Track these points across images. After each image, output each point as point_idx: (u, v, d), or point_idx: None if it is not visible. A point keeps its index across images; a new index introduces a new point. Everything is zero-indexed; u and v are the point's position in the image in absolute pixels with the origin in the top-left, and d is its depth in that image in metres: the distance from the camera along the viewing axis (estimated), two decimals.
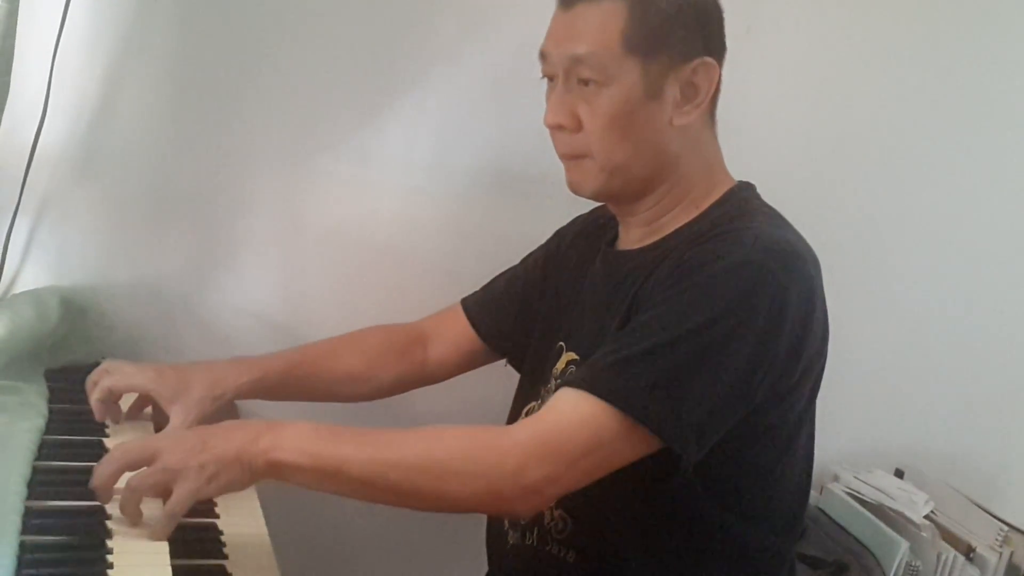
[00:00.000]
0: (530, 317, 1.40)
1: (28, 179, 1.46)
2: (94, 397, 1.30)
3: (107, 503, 1.10)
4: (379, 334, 1.48)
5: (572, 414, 1.07)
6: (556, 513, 1.22)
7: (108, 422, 1.33)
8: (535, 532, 1.24)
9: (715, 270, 1.10)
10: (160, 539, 1.07)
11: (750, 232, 1.14)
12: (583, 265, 1.33)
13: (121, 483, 1.09)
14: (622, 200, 1.24)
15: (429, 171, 1.66)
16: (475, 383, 1.55)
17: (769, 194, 1.25)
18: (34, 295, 1.42)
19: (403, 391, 1.50)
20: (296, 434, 1.07)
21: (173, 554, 1.15)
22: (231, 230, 1.62)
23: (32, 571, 0.98)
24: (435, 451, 1.07)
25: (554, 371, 1.29)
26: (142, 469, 1.07)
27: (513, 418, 1.34)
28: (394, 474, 1.06)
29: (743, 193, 1.23)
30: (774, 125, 1.70)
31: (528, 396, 1.34)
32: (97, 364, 1.48)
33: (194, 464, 1.06)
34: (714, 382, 1.07)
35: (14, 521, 1.00)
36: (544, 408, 1.11)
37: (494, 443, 1.07)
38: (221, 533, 1.26)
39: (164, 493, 1.08)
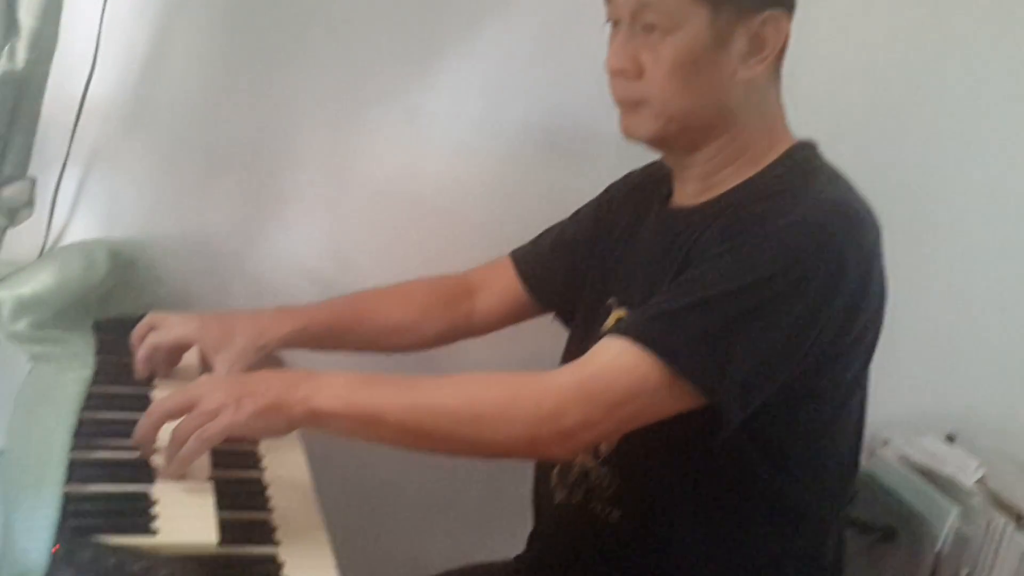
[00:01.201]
0: (580, 272, 1.38)
1: (77, 131, 1.46)
2: (139, 354, 1.30)
3: (149, 455, 1.11)
4: (425, 285, 1.47)
5: (614, 362, 1.06)
6: (602, 471, 1.21)
7: (156, 375, 1.34)
8: (581, 489, 1.23)
9: (773, 228, 1.08)
10: (187, 463, 1.07)
11: (810, 192, 1.11)
12: (636, 221, 1.31)
13: (164, 435, 1.09)
14: (677, 150, 1.21)
15: (477, 127, 1.64)
16: (523, 338, 1.53)
17: (828, 153, 1.22)
18: (83, 247, 1.42)
19: (448, 343, 1.49)
20: (334, 382, 1.08)
21: (219, 506, 1.16)
22: (279, 184, 1.61)
23: (77, 521, 0.98)
24: (473, 396, 1.07)
25: (603, 329, 1.27)
26: (183, 418, 1.08)
27: None
28: (431, 419, 1.06)
29: (804, 152, 1.20)
30: (836, 82, 1.65)
31: (577, 353, 1.31)
32: (144, 316, 1.50)
33: (232, 403, 1.06)
34: (763, 340, 1.05)
35: (59, 472, 1.01)
36: (587, 354, 1.10)
37: (532, 387, 1.07)
38: (266, 486, 1.27)
39: None
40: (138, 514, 1.03)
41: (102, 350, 1.36)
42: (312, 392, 1.07)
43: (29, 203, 1.29)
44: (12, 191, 1.23)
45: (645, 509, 1.19)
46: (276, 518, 1.20)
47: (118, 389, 1.29)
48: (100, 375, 1.29)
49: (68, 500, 1.00)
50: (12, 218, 1.27)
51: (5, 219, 1.26)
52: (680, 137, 1.18)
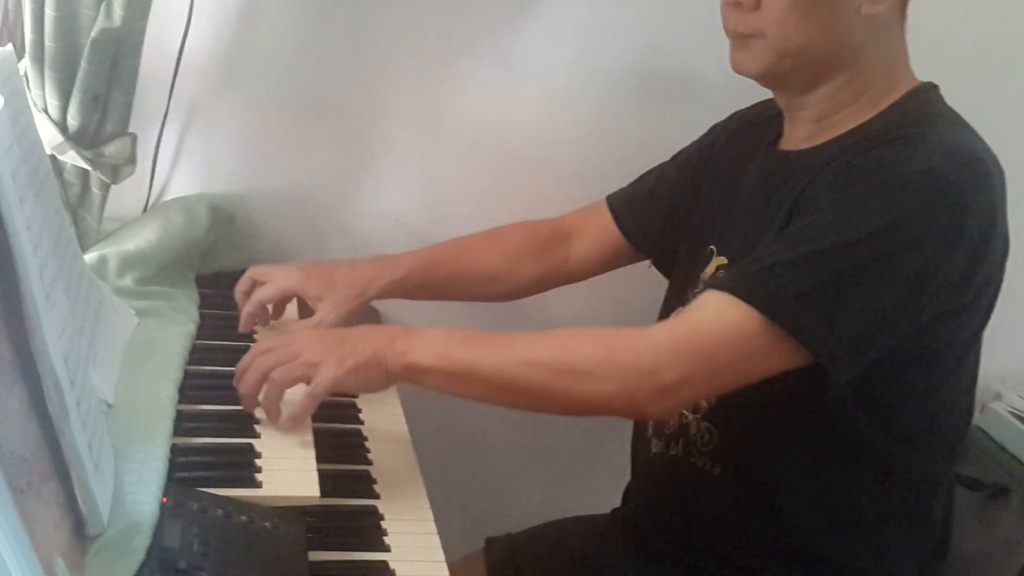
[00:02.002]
0: (679, 217, 1.35)
1: (175, 87, 1.48)
2: (245, 311, 1.32)
3: (253, 410, 1.13)
4: (520, 231, 1.45)
5: (715, 317, 1.03)
6: (703, 425, 1.19)
7: (257, 327, 1.36)
8: (680, 443, 1.21)
9: (889, 176, 1.03)
10: (300, 420, 1.10)
11: (931, 138, 1.06)
12: (741, 164, 1.26)
13: None
14: (790, 88, 1.16)
15: (571, 73, 1.60)
16: (621, 285, 1.51)
17: (950, 98, 1.16)
18: (184, 202, 1.44)
19: (544, 290, 1.47)
20: (431, 337, 1.09)
21: (319, 459, 1.18)
22: (372, 136, 1.61)
23: (184, 473, 1.01)
24: (569, 351, 1.06)
25: (703, 276, 1.24)
26: (284, 367, 1.10)
27: None
28: (526, 375, 1.05)
29: (926, 95, 1.14)
30: (959, 24, 1.57)
31: (676, 301, 1.30)
32: (244, 271, 1.52)
33: (334, 357, 1.08)
34: (875, 297, 1.01)
35: (166, 425, 1.03)
36: (687, 309, 1.08)
37: (630, 343, 1.05)
38: (365, 439, 1.28)
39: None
40: (243, 467, 1.05)
41: (204, 305, 1.39)
42: (409, 347, 1.08)
43: (131, 160, 1.31)
44: (114, 148, 1.25)
45: (747, 465, 1.16)
46: (375, 471, 1.22)
47: (221, 343, 1.31)
48: (204, 330, 1.32)
49: (175, 453, 1.03)
50: (115, 175, 1.29)
51: (108, 176, 1.28)
52: (795, 74, 1.12)
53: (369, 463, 1.24)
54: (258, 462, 1.06)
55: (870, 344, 1.03)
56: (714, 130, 1.37)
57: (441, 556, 1.08)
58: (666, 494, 1.25)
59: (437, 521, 1.12)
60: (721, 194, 1.27)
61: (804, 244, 1.03)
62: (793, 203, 1.11)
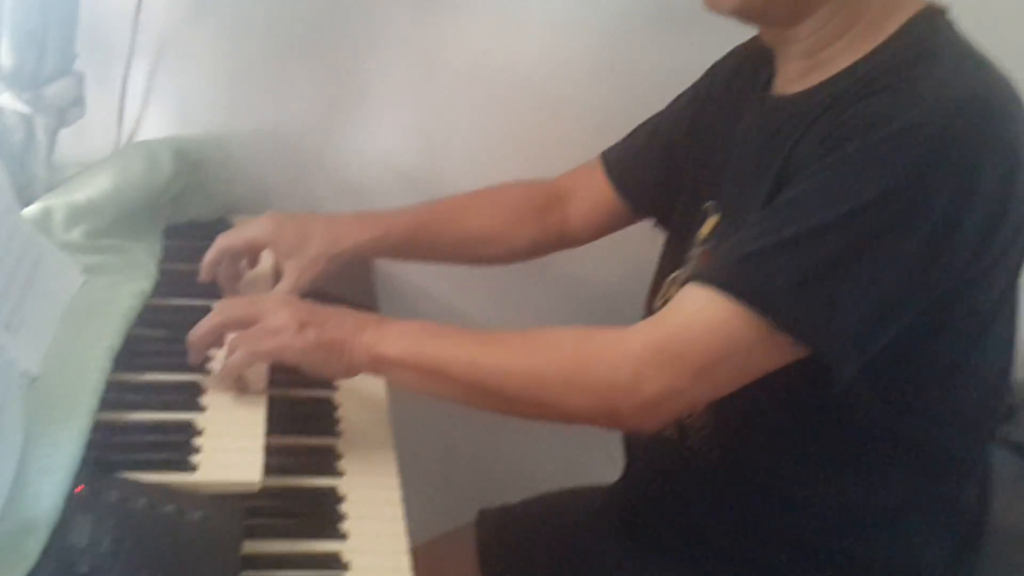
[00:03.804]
0: (676, 171, 1.20)
1: (140, 18, 1.35)
2: (207, 257, 1.22)
3: (197, 363, 1.06)
4: (515, 191, 1.33)
5: (698, 317, 0.90)
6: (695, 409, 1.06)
7: (226, 286, 1.25)
8: (675, 425, 1.07)
9: (883, 135, 0.87)
10: (228, 375, 1.03)
11: (931, 81, 0.89)
12: (735, 110, 1.11)
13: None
14: (772, 22, 1.01)
15: (580, 0, 1.45)
16: (624, 245, 1.37)
17: (964, 19, 0.99)
18: (145, 147, 1.32)
19: (540, 255, 1.35)
20: (402, 330, 1.01)
21: (278, 430, 1.07)
22: (359, 71, 1.47)
23: (107, 456, 0.90)
24: (542, 359, 0.95)
25: (698, 236, 1.10)
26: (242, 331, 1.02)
27: (655, 289, 1.17)
28: (497, 379, 0.95)
29: (929, 22, 0.96)
30: None
31: (671, 263, 1.16)
32: (221, 220, 1.41)
33: (294, 327, 1.00)
34: (877, 278, 0.87)
35: (89, 401, 0.92)
36: (666, 309, 0.95)
37: (606, 352, 0.93)
38: (337, 407, 1.17)
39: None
40: (179, 447, 0.94)
41: (169, 258, 1.28)
42: (378, 338, 1.00)
43: (78, 101, 1.19)
44: (56, 89, 1.13)
45: (747, 452, 1.03)
46: (343, 444, 1.11)
47: (182, 302, 1.20)
48: (163, 286, 1.21)
49: (100, 432, 0.92)
50: (61, 118, 1.18)
51: (54, 120, 1.17)
52: (775, 7, 0.98)
53: (337, 435, 1.13)
54: (197, 441, 0.96)
55: (876, 331, 0.89)
56: (713, 69, 1.21)
57: (404, 546, 0.98)
58: (661, 478, 1.12)
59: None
60: (717, 143, 1.12)
61: (791, 223, 0.89)
62: (782, 164, 0.97)
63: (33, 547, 0.75)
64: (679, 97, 1.26)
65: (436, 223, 1.28)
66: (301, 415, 1.14)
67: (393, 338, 0.99)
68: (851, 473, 1.00)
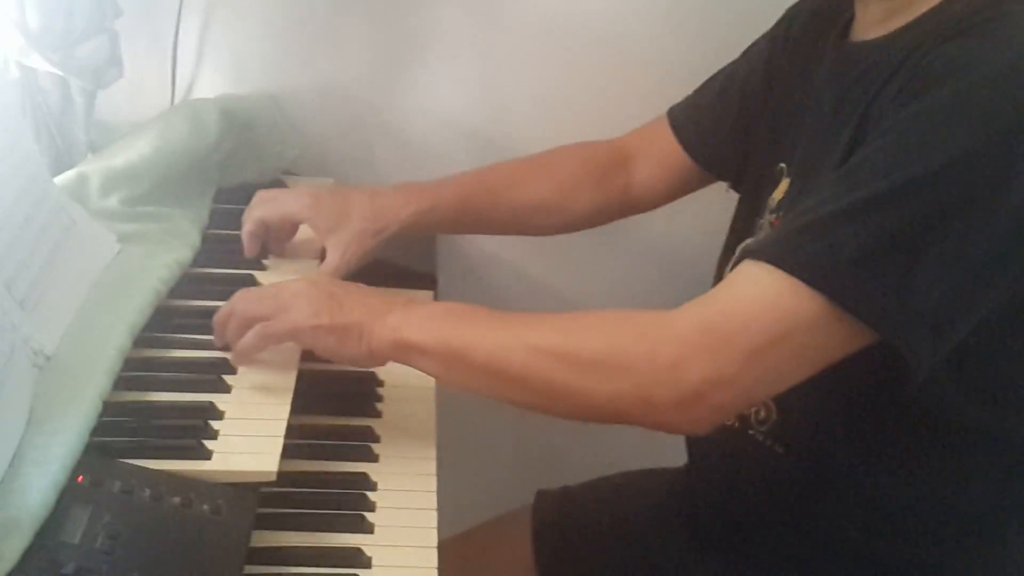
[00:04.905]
0: (750, 127, 1.09)
1: None
2: (245, 229, 1.16)
3: (221, 345, 1.00)
4: (573, 154, 1.23)
5: (750, 295, 0.79)
6: None
7: (275, 249, 1.19)
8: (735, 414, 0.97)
9: (967, 84, 0.75)
10: (243, 357, 0.97)
11: (1020, 22, 0.76)
12: (811, 59, 0.99)
13: None
14: None
15: None
16: (710, 202, 1.26)
17: None
18: (190, 107, 1.27)
19: (603, 222, 1.25)
20: (428, 314, 0.93)
21: (313, 409, 1.03)
22: (422, 25, 1.38)
23: (122, 439, 0.86)
24: (575, 337, 0.85)
25: (770, 201, 0.99)
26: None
27: (725, 258, 1.06)
28: (521, 360, 0.85)
29: None
30: None
31: (743, 230, 1.05)
32: (276, 182, 1.36)
33: (310, 309, 0.94)
34: (958, 253, 0.75)
35: (101, 382, 0.88)
36: (717, 287, 0.83)
37: (647, 331, 0.82)
38: (380, 384, 1.11)
39: None
40: (194, 432, 0.89)
41: (215, 224, 1.23)
42: (403, 322, 0.91)
43: (114, 61, 1.14)
44: (88, 48, 1.08)
45: (814, 449, 0.92)
46: (381, 426, 1.05)
47: (224, 271, 1.15)
48: (204, 255, 1.16)
49: (112, 415, 0.88)
50: (97, 79, 1.13)
51: (89, 81, 1.12)
52: None
53: (376, 415, 1.07)
54: (216, 425, 0.90)
55: (956, 316, 0.77)
56: (789, 15, 1.09)
57: (433, 541, 0.91)
58: (722, 469, 1.02)
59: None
60: (794, 98, 1.00)
61: (859, 188, 0.77)
62: (859, 119, 0.85)
63: (14, 547, 0.70)
64: (754, 45, 1.14)
65: (487, 193, 1.19)
66: (341, 392, 1.08)
67: (418, 322, 0.91)
68: (933, 475, 0.88)
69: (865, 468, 0.90)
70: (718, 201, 1.19)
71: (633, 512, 1.16)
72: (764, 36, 1.11)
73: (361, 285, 1.00)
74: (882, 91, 0.83)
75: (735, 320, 0.79)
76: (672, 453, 1.19)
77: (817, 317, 0.77)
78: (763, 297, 0.79)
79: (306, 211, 1.15)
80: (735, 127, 1.12)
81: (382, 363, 0.96)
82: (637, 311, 0.86)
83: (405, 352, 0.92)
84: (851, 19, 0.95)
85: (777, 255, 0.79)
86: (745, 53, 1.14)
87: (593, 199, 1.21)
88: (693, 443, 1.10)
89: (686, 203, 1.26)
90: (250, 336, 0.95)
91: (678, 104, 1.20)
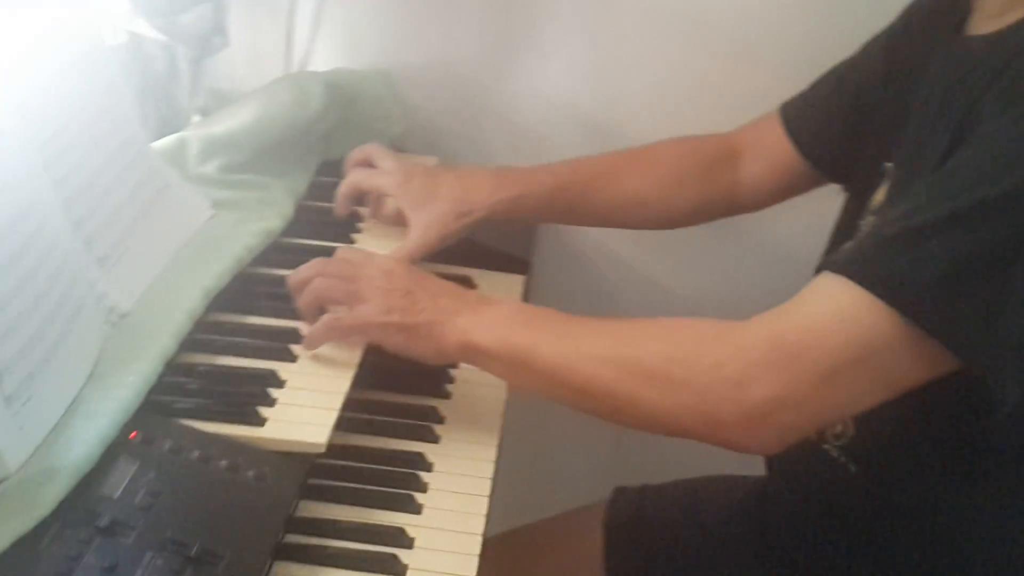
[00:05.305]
0: (863, 125, 1.02)
1: None
2: (340, 191, 1.18)
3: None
4: (678, 148, 1.18)
5: (825, 310, 0.74)
6: None
7: (364, 219, 1.20)
8: None
9: None
10: (310, 346, 0.97)
11: None
12: (926, 54, 0.92)
13: None
14: None
15: None
16: (813, 206, 1.20)
17: None
18: (295, 79, 1.28)
19: (704, 220, 1.19)
20: (497, 316, 0.91)
21: (381, 385, 1.02)
22: (536, 6, 1.36)
23: (182, 400, 0.87)
24: (639, 346, 0.81)
25: (872, 202, 0.93)
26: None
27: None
28: (584, 369, 0.82)
29: None
30: None
31: (844, 232, 0.99)
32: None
33: (383, 303, 0.93)
34: None
35: (166, 343, 0.89)
36: (793, 299, 0.78)
37: (714, 342, 0.78)
38: (454, 366, 1.09)
39: None
40: (252, 398, 0.90)
41: (312, 195, 1.24)
42: (473, 324, 0.90)
43: (218, 30, 1.16)
44: (192, 17, 1.10)
45: (887, 473, 0.86)
46: (447, 407, 1.03)
47: (310, 242, 1.16)
48: (297, 225, 1.17)
49: (176, 375, 0.90)
50: (202, 47, 1.15)
51: (195, 48, 1.15)
52: None
53: (445, 396, 1.05)
54: (275, 393, 0.91)
55: None
56: (909, 10, 1.01)
57: (480, 527, 0.89)
58: (798, 483, 0.97)
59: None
60: (907, 94, 0.93)
61: (950, 198, 0.71)
62: (961, 120, 0.78)
63: (49, 496, 0.72)
64: (872, 40, 1.07)
65: (582, 184, 1.16)
66: (413, 370, 1.06)
67: (485, 325, 0.89)
68: (1009, 510, 0.81)
69: (946, 502, 0.84)
70: (839, 200, 1.14)
71: (708, 519, 1.12)
72: (883, 31, 1.04)
73: (435, 279, 0.98)
74: (987, 92, 0.77)
75: (806, 337, 0.74)
76: (759, 460, 1.14)
77: (895, 338, 0.72)
78: (838, 314, 0.74)
79: (395, 187, 1.14)
80: (847, 124, 1.05)
81: (449, 362, 0.95)
82: (707, 320, 0.82)
83: (472, 354, 0.91)
84: (969, 11, 0.87)
85: (856, 269, 0.74)
86: (863, 48, 1.07)
87: (695, 195, 1.16)
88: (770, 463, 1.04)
89: (805, 201, 1.20)
90: (319, 327, 0.94)
91: (791, 99, 1.14)
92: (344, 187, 1.17)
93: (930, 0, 0.98)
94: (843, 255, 0.77)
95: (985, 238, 0.69)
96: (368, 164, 1.20)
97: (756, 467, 1.13)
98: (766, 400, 0.75)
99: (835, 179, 1.10)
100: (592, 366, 0.83)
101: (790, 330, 0.76)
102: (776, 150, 1.13)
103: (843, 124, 1.06)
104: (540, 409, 1.17)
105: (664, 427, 0.81)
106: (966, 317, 0.70)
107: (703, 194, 1.17)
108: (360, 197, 1.20)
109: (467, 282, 1.20)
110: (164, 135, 1.16)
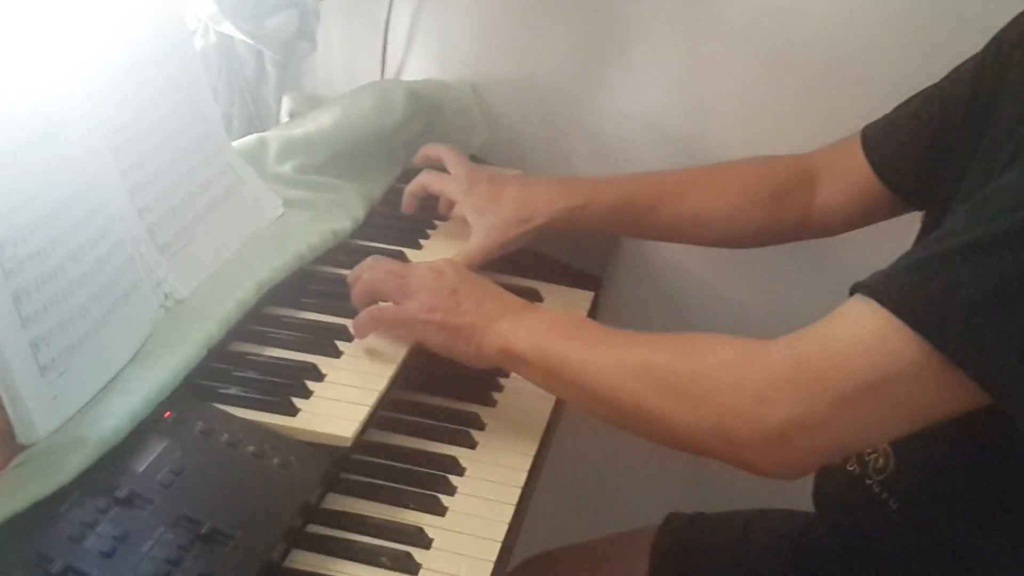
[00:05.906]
0: (945, 150, 0.98)
1: None
2: (407, 189, 1.21)
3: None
4: (751, 167, 1.16)
5: (851, 333, 0.72)
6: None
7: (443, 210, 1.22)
8: (856, 458, 0.88)
9: None
10: (361, 334, 0.99)
11: None
12: (1011, 82, 0.88)
13: None
14: None
15: None
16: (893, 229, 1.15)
17: None
18: (379, 87, 1.31)
19: (775, 242, 1.16)
20: (536, 323, 0.91)
21: (429, 389, 1.04)
22: (625, 21, 1.35)
23: (222, 386, 0.91)
24: (664, 361, 0.81)
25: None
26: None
27: None
28: (611, 380, 0.82)
29: None
30: None
31: None
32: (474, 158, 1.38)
33: (428, 302, 0.96)
34: None
35: (211, 329, 0.93)
36: (821, 320, 0.76)
37: (738, 360, 0.77)
38: (505, 374, 1.09)
39: None
40: (289, 389, 0.92)
41: (389, 201, 1.26)
42: (511, 330, 0.91)
43: (305, 35, 1.19)
44: (277, 22, 1.14)
45: (928, 511, 0.82)
46: (489, 415, 1.04)
47: (377, 246, 1.18)
48: (367, 228, 1.20)
49: (220, 362, 0.93)
50: (289, 52, 1.19)
51: (280, 53, 1.19)
52: None
53: (490, 404, 1.06)
54: (312, 386, 0.93)
55: None
56: (1001, 34, 0.96)
57: (500, 535, 0.89)
58: (844, 523, 0.93)
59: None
60: (989, 123, 0.89)
61: (987, 221, 0.68)
62: (1021, 143, 0.74)
63: (73, 463, 0.75)
64: (961, 65, 1.02)
65: (648, 198, 1.14)
66: (464, 375, 1.07)
67: (524, 332, 0.90)
68: None
69: (988, 542, 0.80)
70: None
71: (756, 552, 1.09)
72: (973, 58, 0.99)
73: (485, 282, 0.99)
74: None
75: (830, 359, 0.72)
76: (810, 495, 1.10)
77: (920, 366, 0.69)
78: (864, 337, 0.71)
79: (459, 194, 1.16)
80: (927, 149, 1.01)
81: (489, 366, 0.95)
82: (736, 337, 0.80)
83: (510, 359, 0.92)
84: None
85: (884, 291, 0.71)
86: (951, 74, 1.02)
87: (764, 216, 1.13)
88: (818, 488, 1.01)
89: (890, 226, 1.15)
90: (363, 316, 0.97)
91: (874, 122, 1.10)
92: (412, 186, 1.20)
93: (1021, 28, 0.93)
94: (876, 277, 0.74)
95: (1010, 267, 0.66)
96: (439, 165, 1.21)
97: (807, 502, 1.09)
98: (784, 421, 0.72)
99: (914, 205, 1.06)
100: (619, 378, 0.82)
101: (814, 351, 0.73)
102: (854, 173, 1.09)
103: (923, 149, 1.02)
104: (598, 431, 1.16)
105: (686, 443, 0.80)
106: (993, 347, 0.66)
107: (773, 215, 1.14)
108: (426, 198, 1.21)
109: (535, 295, 1.20)
110: (250, 134, 1.21)
